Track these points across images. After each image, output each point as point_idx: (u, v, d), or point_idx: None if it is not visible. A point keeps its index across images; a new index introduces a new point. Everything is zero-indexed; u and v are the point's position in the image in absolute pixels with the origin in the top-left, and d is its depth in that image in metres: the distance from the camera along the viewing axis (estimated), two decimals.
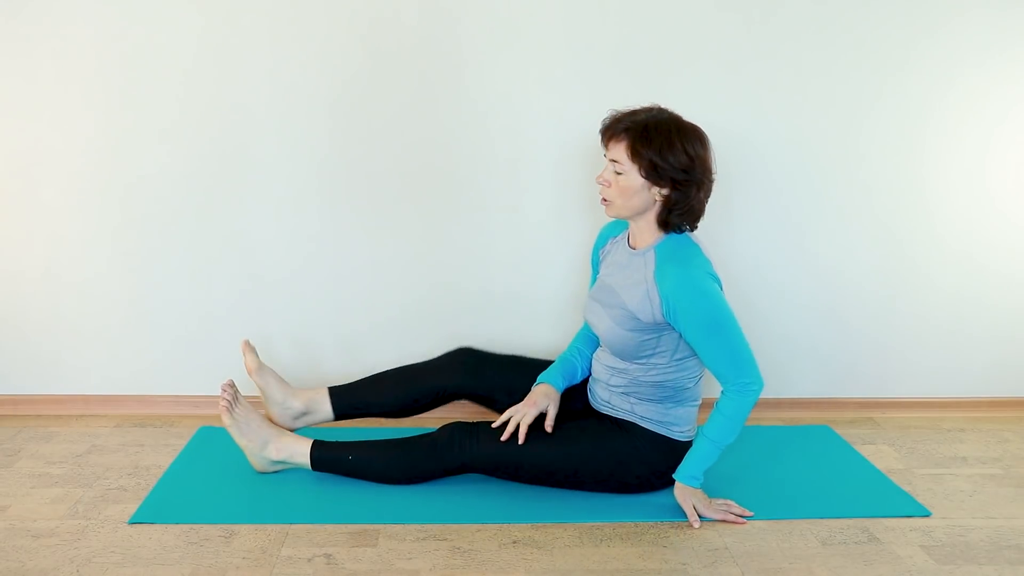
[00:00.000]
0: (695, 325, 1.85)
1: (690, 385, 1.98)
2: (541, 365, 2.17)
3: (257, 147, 2.40)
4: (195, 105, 2.37)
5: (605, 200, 1.93)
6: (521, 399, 2.05)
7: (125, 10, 2.31)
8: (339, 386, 2.20)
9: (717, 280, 1.91)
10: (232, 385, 2.08)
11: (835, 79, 2.40)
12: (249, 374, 2.15)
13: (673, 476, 1.96)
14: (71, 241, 2.44)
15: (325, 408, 2.17)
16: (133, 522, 1.89)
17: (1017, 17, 2.39)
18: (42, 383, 2.53)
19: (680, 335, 1.91)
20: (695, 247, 1.93)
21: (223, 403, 2.04)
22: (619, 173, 1.87)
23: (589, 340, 2.16)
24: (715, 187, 2.42)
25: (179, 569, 1.72)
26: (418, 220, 2.46)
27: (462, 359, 2.18)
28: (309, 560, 1.75)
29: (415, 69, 2.36)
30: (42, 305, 2.48)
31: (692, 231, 1.96)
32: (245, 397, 2.12)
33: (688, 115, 2.36)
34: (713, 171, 1.91)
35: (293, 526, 1.88)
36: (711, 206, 2.44)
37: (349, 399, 2.18)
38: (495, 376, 2.16)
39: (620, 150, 1.86)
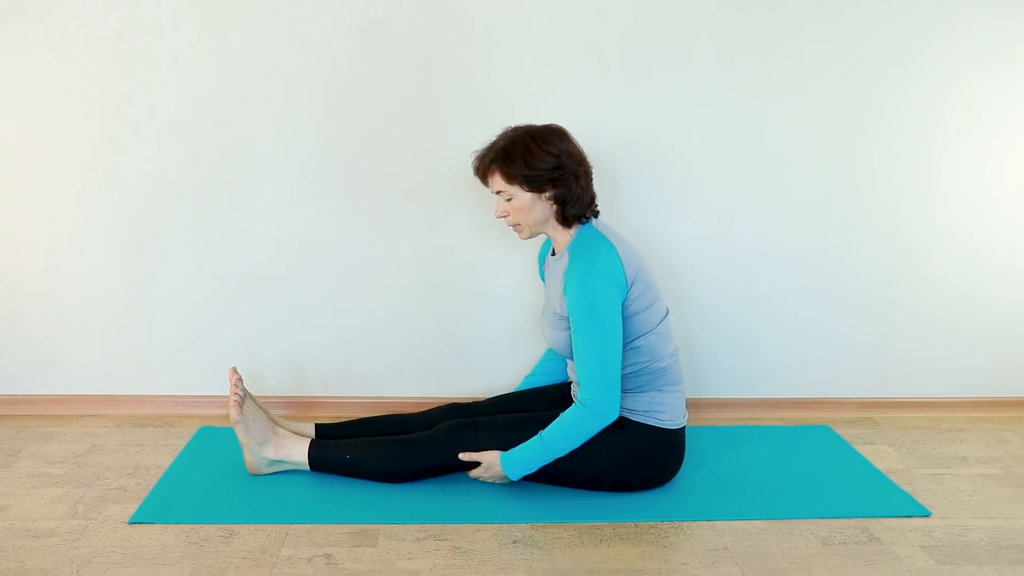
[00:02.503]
0: (571, 316, 1.91)
1: (663, 364, 1.99)
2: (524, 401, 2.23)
3: (256, 145, 2.40)
4: (193, 104, 2.37)
5: (514, 227, 2.02)
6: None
7: (123, 9, 2.31)
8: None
9: (616, 281, 1.90)
10: (241, 380, 2.09)
11: (835, 77, 2.40)
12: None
13: (500, 454, 1.98)
14: (70, 240, 2.44)
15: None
16: (133, 522, 1.89)
17: (1018, 17, 2.38)
18: (42, 383, 2.53)
19: None
20: (601, 239, 1.96)
21: (234, 398, 2.05)
22: (509, 200, 1.97)
23: (547, 361, 2.34)
24: (713, 186, 2.45)
25: (179, 569, 1.72)
26: (416, 218, 2.46)
27: (450, 409, 2.21)
28: (309, 560, 1.75)
29: (414, 69, 2.36)
30: (42, 304, 2.48)
31: (596, 217, 2.03)
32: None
33: (688, 112, 2.39)
34: (585, 158, 1.99)
35: (293, 526, 1.88)
36: (709, 206, 2.46)
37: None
38: (484, 408, 2.22)
39: (497, 180, 1.97)
